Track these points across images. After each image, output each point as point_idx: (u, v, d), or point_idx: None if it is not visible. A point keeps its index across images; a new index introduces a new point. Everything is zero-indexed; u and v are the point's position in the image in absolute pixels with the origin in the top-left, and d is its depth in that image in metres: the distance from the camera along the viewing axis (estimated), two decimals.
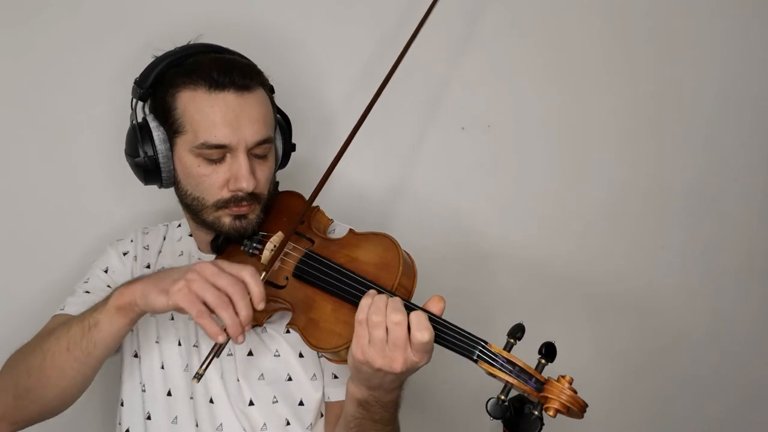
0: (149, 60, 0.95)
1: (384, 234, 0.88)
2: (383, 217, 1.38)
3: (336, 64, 1.32)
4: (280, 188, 1.05)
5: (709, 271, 1.60)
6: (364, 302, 0.76)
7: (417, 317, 0.74)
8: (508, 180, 1.44)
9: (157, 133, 0.91)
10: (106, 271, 1.03)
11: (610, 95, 1.48)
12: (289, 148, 1.05)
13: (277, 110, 1.01)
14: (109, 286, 1.00)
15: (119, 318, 0.82)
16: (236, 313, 0.76)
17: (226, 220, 0.93)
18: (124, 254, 1.05)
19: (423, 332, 0.73)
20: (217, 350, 0.79)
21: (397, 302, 0.76)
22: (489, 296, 1.41)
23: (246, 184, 0.89)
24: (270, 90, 0.98)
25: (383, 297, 0.76)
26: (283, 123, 1.03)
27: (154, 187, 0.98)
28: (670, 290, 1.57)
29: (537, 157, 1.45)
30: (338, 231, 1.01)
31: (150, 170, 0.92)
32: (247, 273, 0.78)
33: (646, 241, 1.54)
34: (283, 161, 1.05)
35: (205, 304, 0.76)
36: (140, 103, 0.96)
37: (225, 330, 0.76)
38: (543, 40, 1.42)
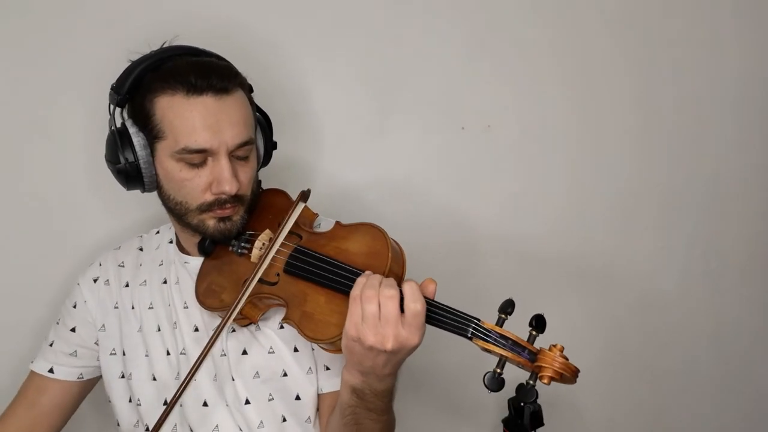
0: (122, 64, 0.93)
1: (371, 224, 0.89)
2: (382, 216, 1.38)
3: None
4: (264, 186, 1.05)
5: (710, 272, 1.60)
6: (360, 280, 0.79)
7: (410, 287, 0.76)
8: (509, 180, 1.44)
9: (137, 138, 0.90)
10: (74, 307, 1.04)
11: (610, 96, 1.47)
12: (271, 146, 1.04)
13: (257, 109, 1.01)
14: (73, 330, 1.03)
15: None
16: None
17: (210, 222, 0.93)
18: (94, 281, 1.05)
19: (416, 303, 0.75)
20: None
21: (390, 280, 0.78)
22: (489, 293, 1.40)
23: (229, 187, 0.89)
24: (249, 90, 0.97)
25: (378, 275, 0.79)
26: (263, 122, 1.02)
27: (149, 192, 0.98)
28: (670, 291, 1.57)
29: (537, 158, 1.45)
30: (324, 225, 1.01)
31: (131, 176, 0.91)
32: None
33: (646, 241, 1.54)
34: (265, 159, 1.04)
35: None
36: (119, 109, 0.94)
37: None
38: (545, 40, 1.42)
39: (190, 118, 0.86)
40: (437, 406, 1.45)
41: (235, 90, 0.91)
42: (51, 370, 1.01)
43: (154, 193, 0.98)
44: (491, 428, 1.49)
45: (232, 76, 0.91)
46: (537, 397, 0.73)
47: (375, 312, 0.75)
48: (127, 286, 1.03)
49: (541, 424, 1.29)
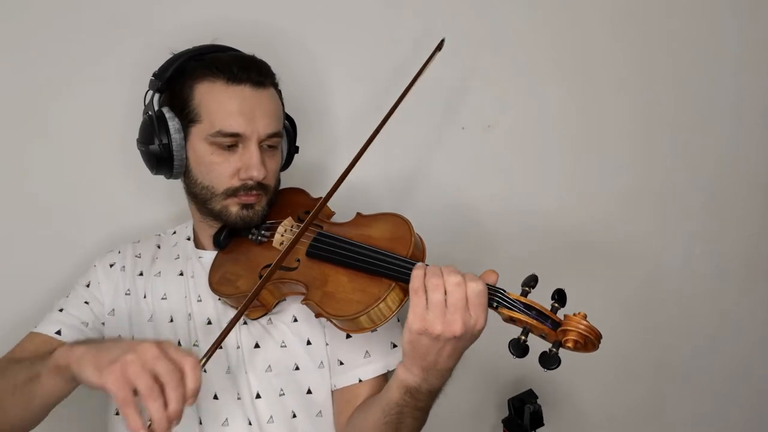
0: (163, 60, 0.99)
1: (393, 213, 0.93)
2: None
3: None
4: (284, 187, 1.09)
5: (710, 272, 1.60)
6: (417, 272, 0.77)
7: (468, 274, 0.77)
8: (509, 180, 1.44)
9: (173, 122, 0.96)
10: (87, 286, 1.05)
11: (610, 96, 1.48)
12: (293, 150, 1.11)
13: (285, 114, 1.07)
14: (86, 303, 1.02)
15: (55, 376, 0.79)
16: (165, 406, 0.69)
17: (233, 209, 0.98)
18: (111, 266, 1.07)
19: (477, 282, 0.76)
20: None
21: (451, 267, 0.78)
22: None
23: (257, 173, 0.95)
24: (280, 92, 1.05)
25: (435, 266, 0.79)
26: (288, 126, 1.09)
27: (170, 188, 1.02)
28: (670, 291, 1.57)
29: (538, 158, 1.45)
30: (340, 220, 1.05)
31: (163, 158, 0.97)
32: (188, 364, 0.71)
33: (646, 241, 1.54)
34: (286, 162, 1.10)
35: (135, 391, 0.69)
36: (157, 95, 1.00)
37: (150, 425, 0.69)
38: (545, 39, 1.42)
39: (228, 103, 0.94)
40: (437, 406, 1.45)
41: (270, 86, 0.99)
42: (59, 332, 0.96)
43: (178, 191, 1.04)
44: (491, 428, 1.48)
45: (269, 74, 1.00)
46: (559, 363, 0.73)
47: (441, 300, 0.75)
48: (141, 275, 1.06)
49: (541, 424, 1.29)
